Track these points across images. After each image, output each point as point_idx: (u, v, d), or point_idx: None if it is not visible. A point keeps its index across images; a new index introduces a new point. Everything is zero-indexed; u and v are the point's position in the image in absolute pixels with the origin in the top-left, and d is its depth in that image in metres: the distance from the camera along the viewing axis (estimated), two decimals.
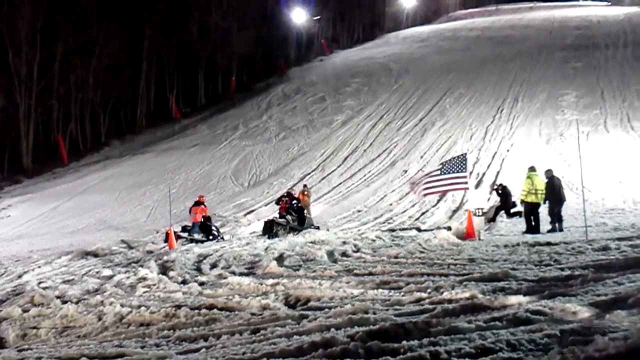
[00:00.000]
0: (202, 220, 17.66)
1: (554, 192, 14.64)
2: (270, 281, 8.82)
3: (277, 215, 18.16)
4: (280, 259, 11.57)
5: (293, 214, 18.19)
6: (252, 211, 22.22)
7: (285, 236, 16.39)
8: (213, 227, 17.75)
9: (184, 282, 9.81)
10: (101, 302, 8.25)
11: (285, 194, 19.36)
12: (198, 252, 13.21)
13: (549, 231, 14.04)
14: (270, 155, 31.34)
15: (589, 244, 9.94)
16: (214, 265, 11.51)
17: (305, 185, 22.22)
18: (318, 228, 17.89)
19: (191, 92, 50.84)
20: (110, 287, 9.55)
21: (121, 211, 24.46)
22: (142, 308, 7.46)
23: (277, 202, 19.03)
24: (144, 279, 10.09)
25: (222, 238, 17.26)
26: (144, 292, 9.05)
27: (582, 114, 30.83)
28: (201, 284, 9.42)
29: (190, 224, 17.78)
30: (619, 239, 10.31)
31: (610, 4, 73.35)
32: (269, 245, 13.54)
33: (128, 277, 10.24)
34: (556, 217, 14.43)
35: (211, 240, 16.94)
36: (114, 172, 32.92)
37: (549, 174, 14.99)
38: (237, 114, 41.86)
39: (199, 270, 11.16)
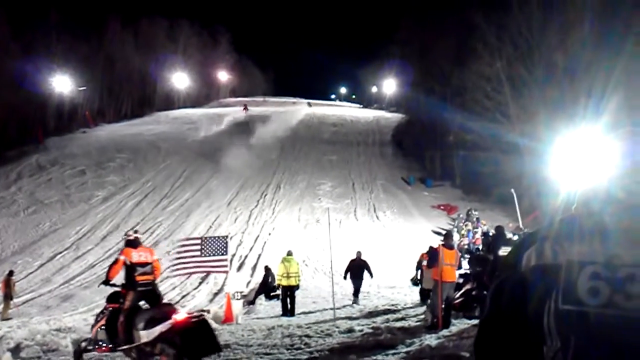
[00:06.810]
0: None
1: (355, 271, 16.78)
2: None
3: None
4: (16, 350, 10.21)
5: None
6: None
7: None
8: None
9: None
10: None
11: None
12: None
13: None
14: (17, 231, 28.20)
15: (336, 326, 10.62)
16: None
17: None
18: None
19: None
20: None
21: None
22: None
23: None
24: None
25: None
26: None
27: (336, 202, 33.65)
28: None
29: None
30: (364, 322, 11.20)
31: (362, 106, 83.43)
32: (4, 335, 11.89)
33: None
34: (357, 292, 16.67)
35: None
36: None
37: (357, 254, 17.28)
38: None
39: None
